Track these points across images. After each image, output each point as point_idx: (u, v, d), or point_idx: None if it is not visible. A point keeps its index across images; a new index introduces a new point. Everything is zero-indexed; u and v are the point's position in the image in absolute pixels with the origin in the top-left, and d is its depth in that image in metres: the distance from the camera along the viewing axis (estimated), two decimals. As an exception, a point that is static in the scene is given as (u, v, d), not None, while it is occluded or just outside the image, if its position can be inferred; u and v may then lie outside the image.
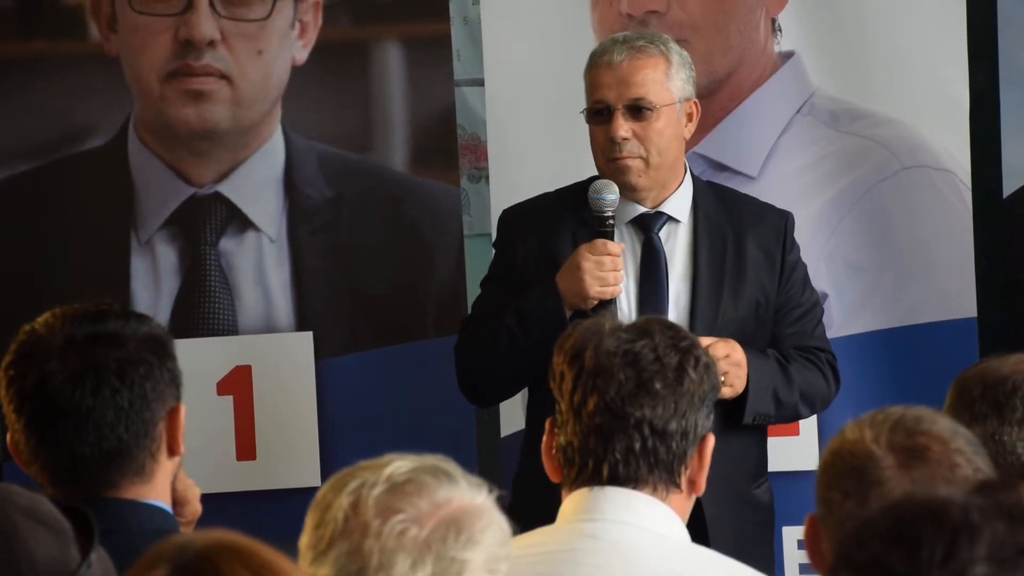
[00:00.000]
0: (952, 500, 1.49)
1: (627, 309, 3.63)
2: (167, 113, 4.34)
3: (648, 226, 3.68)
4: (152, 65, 4.33)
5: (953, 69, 4.34)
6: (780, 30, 4.39)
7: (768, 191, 4.09)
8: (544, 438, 2.47)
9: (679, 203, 3.70)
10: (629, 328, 2.43)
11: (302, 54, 4.37)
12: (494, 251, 3.82)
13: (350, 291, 4.38)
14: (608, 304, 3.56)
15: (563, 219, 3.69)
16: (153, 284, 4.36)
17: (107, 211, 4.37)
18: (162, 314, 4.31)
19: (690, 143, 3.86)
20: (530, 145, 4.35)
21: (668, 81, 3.65)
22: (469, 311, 4.13)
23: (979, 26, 4.40)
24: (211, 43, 4.32)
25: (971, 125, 4.36)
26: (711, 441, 2.43)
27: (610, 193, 3.59)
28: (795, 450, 4.11)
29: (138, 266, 4.37)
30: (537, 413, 3.60)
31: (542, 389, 2.48)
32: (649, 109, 3.62)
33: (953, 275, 4.35)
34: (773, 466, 3.83)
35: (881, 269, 4.37)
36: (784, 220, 3.77)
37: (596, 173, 3.72)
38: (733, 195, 3.83)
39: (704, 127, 4.12)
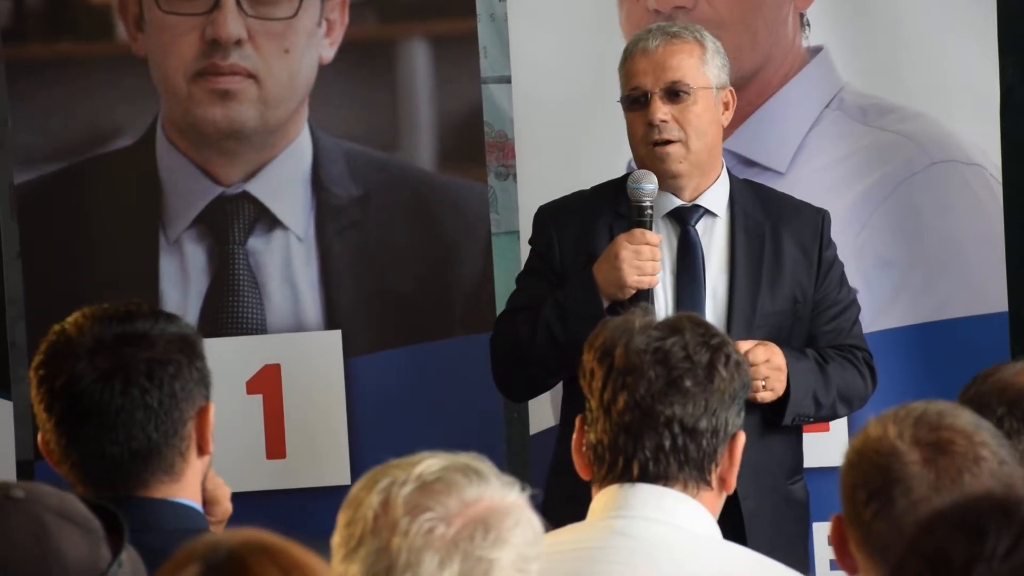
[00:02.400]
0: None
1: (664, 301, 3.62)
2: (194, 113, 4.35)
3: (685, 219, 3.67)
4: (179, 65, 4.33)
5: (983, 63, 4.32)
6: (808, 25, 4.37)
7: (797, 187, 4.08)
8: (574, 435, 2.46)
9: (716, 197, 3.69)
10: (659, 325, 2.43)
11: (329, 52, 4.36)
12: (530, 247, 3.81)
13: (378, 289, 4.38)
14: (645, 295, 3.55)
15: (600, 214, 3.67)
16: (182, 283, 4.37)
17: (135, 211, 4.37)
18: (191, 313, 4.31)
19: (719, 138, 3.85)
20: (557, 142, 4.34)
21: (703, 66, 3.64)
22: (497, 308, 4.12)
23: (1010, 19, 4.38)
24: (238, 42, 4.32)
25: (1001, 119, 4.33)
26: (742, 439, 2.42)
27: (649, 183, 3.58)
28: (825, 446, 4.09)
29: (167, 266, 4.37)
30: (572, 407, 3.59)
31: (578, 383, 2.47)
32: (686, 92, 3.62)
33: (984, 269, 4.33)
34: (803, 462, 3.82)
35: (911, 264, 4.35)
36: (821, 217, 3.76)
37: (624, 170, 3.70)
38: (769, 192, 3.82)
39: (732, 123, 4.10)
